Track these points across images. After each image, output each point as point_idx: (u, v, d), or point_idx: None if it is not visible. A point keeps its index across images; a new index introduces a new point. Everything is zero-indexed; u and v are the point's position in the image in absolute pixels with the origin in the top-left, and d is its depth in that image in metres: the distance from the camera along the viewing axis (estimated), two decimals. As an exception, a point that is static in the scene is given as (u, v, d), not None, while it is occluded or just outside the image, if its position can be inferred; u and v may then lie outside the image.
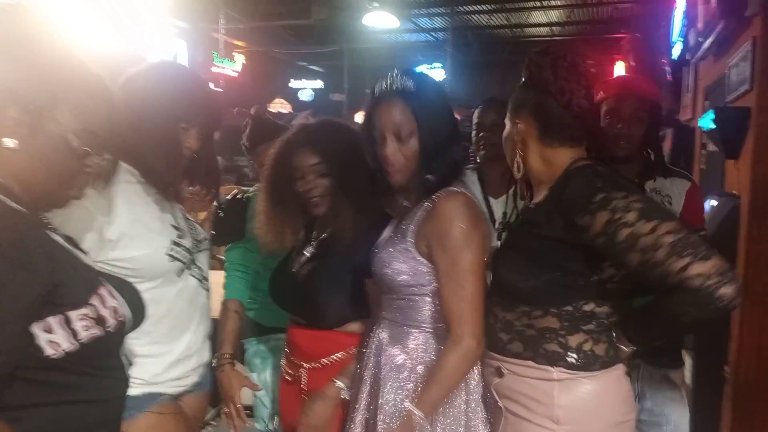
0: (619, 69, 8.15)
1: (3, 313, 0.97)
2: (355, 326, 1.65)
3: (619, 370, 1.37)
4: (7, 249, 0.98)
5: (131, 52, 6.20)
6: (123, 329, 1.21)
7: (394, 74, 1.44)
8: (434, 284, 1.43)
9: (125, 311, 1.19)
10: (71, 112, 1.11)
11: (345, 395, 1.59)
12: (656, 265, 1.18)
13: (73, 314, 1.07)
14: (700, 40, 3.67)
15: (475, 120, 2.45)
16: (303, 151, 1.62)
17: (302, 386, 1.68)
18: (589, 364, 1.32)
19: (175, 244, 1.52)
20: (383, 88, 1.44)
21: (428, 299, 1.44)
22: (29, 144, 1.08)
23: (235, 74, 9.89)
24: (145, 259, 1.44)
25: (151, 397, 1.47)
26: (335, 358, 1.64)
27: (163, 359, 1.49)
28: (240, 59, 10.21)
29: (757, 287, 2.51)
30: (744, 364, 2.56)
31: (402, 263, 1.43)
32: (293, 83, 12.75)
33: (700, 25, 3.68)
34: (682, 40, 4.58)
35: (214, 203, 2.08)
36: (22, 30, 1.10)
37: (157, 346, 1.48)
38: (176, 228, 1.55)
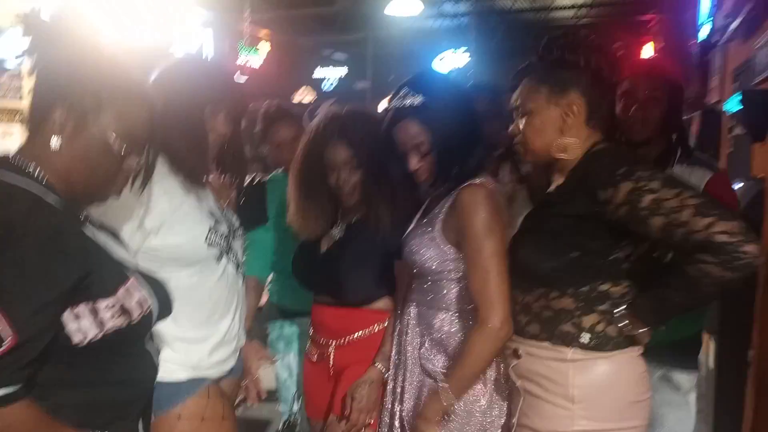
0: (647, 51, 8.01)
1: (38, 299, 1.04)
2: (380, 303, 1.72)
3: (634, 351, 1.40)
4: (45, 240, 1.05)
5: (159, 42, 6.31)
6: (150, 321, 1.25)
7: (406, 92, 1.51)
8: (459, 270, 1.51)
9: (152, 303, 1.24)
10: (114, 116, 1.16)
11: (385, 376, 1.67)
12: (681, 226, 1.19)
13: (101, 304, 1.12)
14: (728, 21, 3.63)
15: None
16: (335, 145, 1.69)
17: (330, 365, 1.75)
18: (602, 344, 1.36)
19: (213, 230, 1.57)
20: (398, 103, 1.52)
21: (453, 284, 1.53)
22: (73, 144, 1.13)
23: (261, 63, 9.98)
24: (185, 246, 1.51)
25: (198, 382, 1.55)
26: (361, 334, 1.71)
27: (206, 343, 1.56)
28: (265, 48, 10.29)
29: (782, 270, 2.50)
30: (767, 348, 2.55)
31: (430, 250, 1.52)
32: (317, 72, 12.79)
33: (728, 6, 3.63)
34: (710, 21, 4.52)
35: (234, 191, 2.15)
36: (74, 36, 1.15)
37: (200, 330, 1.55)
38: (213, 215, 1.61)
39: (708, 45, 4.86)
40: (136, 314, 1.19)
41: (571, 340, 1.37)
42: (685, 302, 1.31)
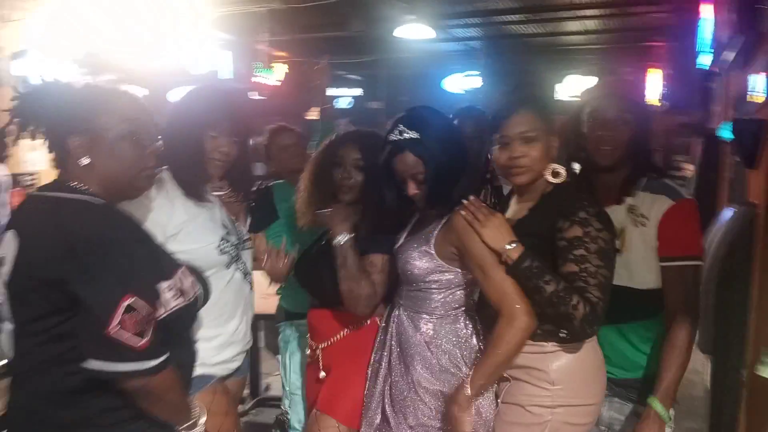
0: (653, 77, 8.14)
1: (153, 281, 1.28)
2: None
3: (593, 340, 1.69)
4: (134, 229, 1.33)
5: (179, 64, 6.55)
6: (198, 304, 1.46)
7: (402, 129, 1.70)
8: (443, 281, 1.69)
9: (199, 288, 1.45)
10: (117, 121, 1.39)
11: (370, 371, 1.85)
12: (580, 279, 1.55)
13: (164, 285, 1.32)
14: (726, 52, 3.75)
15: None
16: (350, 146, 1.90)
17: (320, 366, 1.91)
18: (574, 337, 1.62)
19: (224, 240, 1.77)
20: (396, 136, 1.71)
21: (439, 292, 1.71)
22: (97, 157, 1.36)
23: (278, 83, 10.23)
24: (200, 251, 1.68)
25: (205, 378, 1.71)
26: (341, 335, 1.87)
27: (214, 342, 1.73)
28: (282, 69, 10.55)
29: (772, 292, 2.59)
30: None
31: (422, 262, 1.69)
32: (332, 92, 13.05)
33: (724, 37, 3.76)
34: (711, 51, 4.64)
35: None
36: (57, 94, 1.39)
37: (209, 330, 1.71)
38: (224, 227, 1.81)
39: (710, 73, 4.97)
40: (190, 295, 1.39)
41: (551, 336, 1.64)
42: (538, 294, 1.57)
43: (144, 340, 1.23)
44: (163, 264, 1.38)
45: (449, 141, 1.73)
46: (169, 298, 1.33)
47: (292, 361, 2.29)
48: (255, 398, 3.69)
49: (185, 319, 1.44)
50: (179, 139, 1.74)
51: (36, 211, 1.33)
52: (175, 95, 8.08)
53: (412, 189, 1.71)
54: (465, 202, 1.66)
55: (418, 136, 1.68)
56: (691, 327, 1.72)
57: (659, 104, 7.65)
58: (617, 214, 1.78)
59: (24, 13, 4.99)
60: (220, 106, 1.81)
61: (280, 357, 2.41)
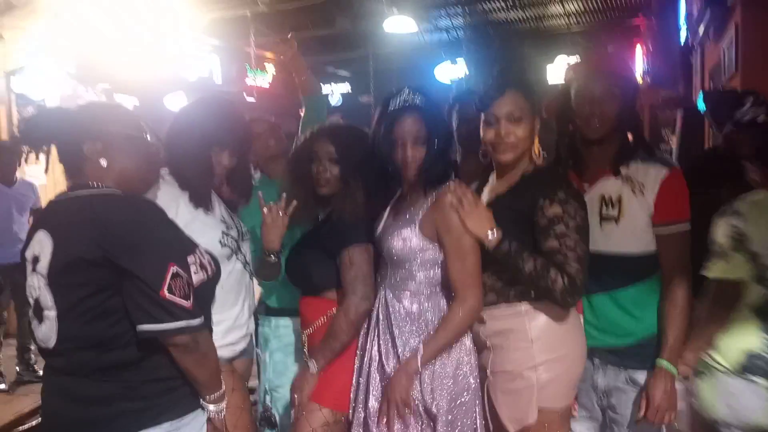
0: (639, 52, 8.26)
1: (182, 251, 1.47)
2: (333, 294, 1.94)
3: None
4: (160, 211, 1.51)
5: (172, 71, 6.67)
6: (216, 280, 1.62)
7: (408, 92, 1.81)
8: (426, 259, 1.79)
9: (214, 265, 1.61)
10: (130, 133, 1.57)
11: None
12: (559, 253, 1.65)
13: (190, 259, 1.49)
14: (695, 26, 3.88)
15: None
16: (324, 140, 1.97)
17: (306, 353, 1.97)
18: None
19: (225, 234, 1.92)
20: (400, 103, 1.81)
21: (422, 270, 1.80)
22: (112, 156, 1.52)
23: (268, 84, 10.35)
24: (204, 245, 1.81)
25: None
26: (322, 320, 1.93)
27: (220, 326, 1.85)
28: (271, 69, 10.66)
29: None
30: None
31: (408, 241, 1.79)
32: (322, 89, 13.14)
33: (694, 12, 3.88)
34: (686, 25, 4.76)
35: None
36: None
37: (214, 316, 1.82)
38: (224, 222, 1.96)
39: (688, 47, 5.10)
40: (210, 271, 1.57)
41: (524, 295, 1.74)
42: (518, 273, 1.69)
43: (190, 302, 1.41)
44: (186, 241, 1.56)
45: (443, 116, 1.85)
46: (194, 272, 1.50)
47: (272, 359, 2.32)
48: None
49: (206, 294, 1.60)
50: (184, 151, 1.89)
51: (66, 208, 1.48)
52: (172, 101, 8.21)
53: (410, 152, 1.77)
54: (451, 184, 1.76)
55: (422, 102, 1.79)
56: (688, 286, 1.79)
57: (641, 81, 7.76)
58: (613, 184, 1.85)
59: (18, 32, 5.10)
60: (224, 122, 1.93)
61: (259, 352, 2.39)
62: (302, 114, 2.73)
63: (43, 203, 4.56)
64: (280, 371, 2.30)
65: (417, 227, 1.78)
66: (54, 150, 1.56)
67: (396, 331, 1.79)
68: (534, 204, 1.69)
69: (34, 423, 3.75)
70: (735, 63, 3.01)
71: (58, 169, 1.59)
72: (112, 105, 1.60)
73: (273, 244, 1.99)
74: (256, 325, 2.25)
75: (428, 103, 1.81)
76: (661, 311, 1.82)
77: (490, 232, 1.69)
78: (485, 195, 1.88)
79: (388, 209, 1.93)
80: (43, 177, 5.01)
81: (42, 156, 1.54)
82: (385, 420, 1.75)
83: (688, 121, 4.60)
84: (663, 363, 1.78)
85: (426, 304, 1.80)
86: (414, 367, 1.72)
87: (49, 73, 5.36)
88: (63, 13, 5.18)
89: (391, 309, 1.82)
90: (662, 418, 1.78)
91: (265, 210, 1.96)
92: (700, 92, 3.92)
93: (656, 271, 1.85)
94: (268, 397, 2.33)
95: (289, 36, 2.68)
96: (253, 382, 2.25)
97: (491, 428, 1.78)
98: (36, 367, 4.39)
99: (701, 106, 3.37)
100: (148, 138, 1.59)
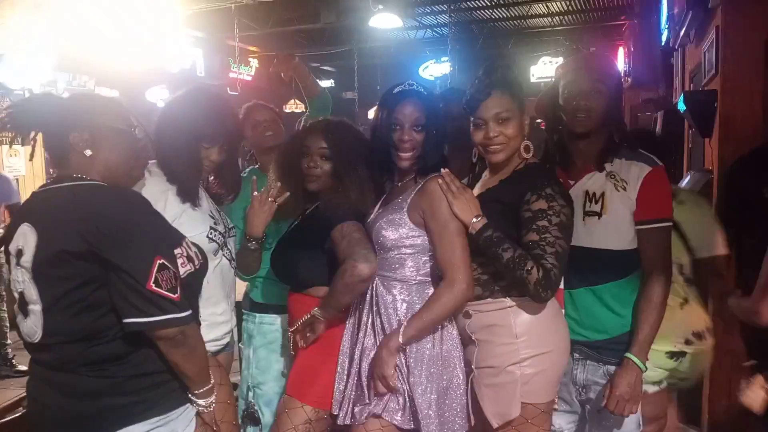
0: (621, 54, 8.36)
1: (170, 246, 1.46)
2: (320, 291, 1.92)
3: None
4: (147, 203, 1.48)
5: (154, 63, 6.60)
6: (203, 272, 1.61)
7: (411, 83, 1.88)
8: (415, 246, 1.80)
9: (201, 257, 1.60)
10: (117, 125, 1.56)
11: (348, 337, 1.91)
12: (538, 247, 1.67)
13: (177, 251, 1.49)
14: (677, 28, 3.93)
15: None
16: (316, 135, 1.98)
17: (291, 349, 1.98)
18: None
19: (212, 229, 1.91)
20: (402, 90, 1.86)
21: (412, 258, 1.82)
22: (98, 148, 1.50)
23: (250, 78, 10.30)
24: (192, 239, 1.81)
25: None
26: (306, 317, 1.90)
27: (205, 322, 1.85)
28: (254, 64, 10.61)
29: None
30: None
31: (397, 229, 1.81)
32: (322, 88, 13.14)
33: (676, 13, 3.94)
34: (667, 27, 4.83)
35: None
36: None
37: (200, 311, 1.84)
38: (212, 217, 1.94)
39: (669, 49, 5.17)
40: (196, 263, 1.56)
41: (510, 291, 1.75)
42: (497, 263, 1.71)
43: (177, 294, 1.40)
44: (173, 233, 1.54)
45: (440, 111, 1.88)
46: (181, 264, 1.49)
47: (256, 356, 2.32)
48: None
49: (194, 286, 1.59)
50: (173, 145, 1.87)
51: (50, 201, 1.45)
52: (154, 94, 8.12)
53: (409, 135, 1.81)
54: (442, 172, 1.78)
55: (423, 91, 1.87)
56: (666, 284, 1.83)
57: (623, 81, 7.87)
58: (598, 180, 1.88)
59: (-3, 21, 5.01)
60: (212, 116, 1.92)
61: (242, 348, 2.38)
62: (286, 108, 2.78)
63: (23, 195, 4.53)
64: (263, 368, 2.30)
65: (404, 213, 1.81)
66: (40, 140, 1.54)
67: (386, 325, 1.80)
68: (521, 197, 1.72)
69: (14, 416, 3.70)
70: (715, 65, 3.06)
71: (37, 161, 1.58)
72: (104, 97, 1.58)
73: (257, 230, 1.99)
74: (240, 320, 2.25)
75: (428, 95, 1.87)
76: (636, 306, 1.86)
77: (475, 218, 1.72)
78: (477, 189, 1.91)
79: (379, 203, 1.94)
80: (22, 168, 4.96)
81: (22, 147, 1.52)
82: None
83: (668, 121, 4.69)
84: (631, 357, 1.82)
85: (415, 295, 1.81)
86: (395, 343, 1.73)
87: (29, 63, 5.27)
88: (44, 3, 5.10)
89: (381, 299, 1.83)
90: (622, 408, 1.81)
91: (255, 193, 1.96)
92: (681, 94, 3.98)
93: (638, 269, 1.88)
94: (250, 394, 2.33)
95: (282, 53, 2.74)
96: (233, 378, 2.24)
97: (473, 422, 1.79)
98: (14, 361, 4.37)
99: (681, 107, 3.45)
100: (137, 134, 1.58)
